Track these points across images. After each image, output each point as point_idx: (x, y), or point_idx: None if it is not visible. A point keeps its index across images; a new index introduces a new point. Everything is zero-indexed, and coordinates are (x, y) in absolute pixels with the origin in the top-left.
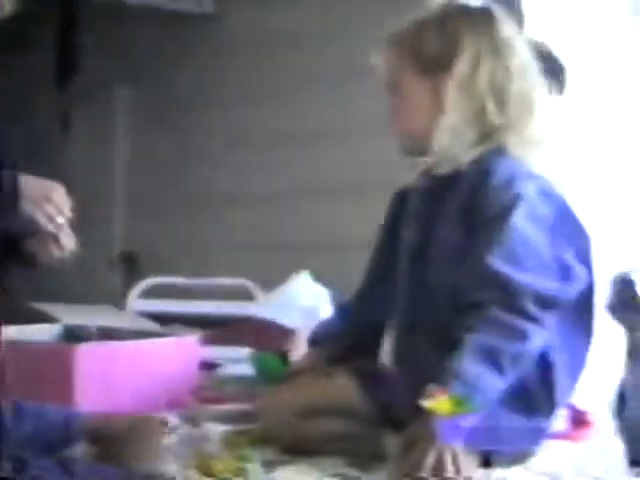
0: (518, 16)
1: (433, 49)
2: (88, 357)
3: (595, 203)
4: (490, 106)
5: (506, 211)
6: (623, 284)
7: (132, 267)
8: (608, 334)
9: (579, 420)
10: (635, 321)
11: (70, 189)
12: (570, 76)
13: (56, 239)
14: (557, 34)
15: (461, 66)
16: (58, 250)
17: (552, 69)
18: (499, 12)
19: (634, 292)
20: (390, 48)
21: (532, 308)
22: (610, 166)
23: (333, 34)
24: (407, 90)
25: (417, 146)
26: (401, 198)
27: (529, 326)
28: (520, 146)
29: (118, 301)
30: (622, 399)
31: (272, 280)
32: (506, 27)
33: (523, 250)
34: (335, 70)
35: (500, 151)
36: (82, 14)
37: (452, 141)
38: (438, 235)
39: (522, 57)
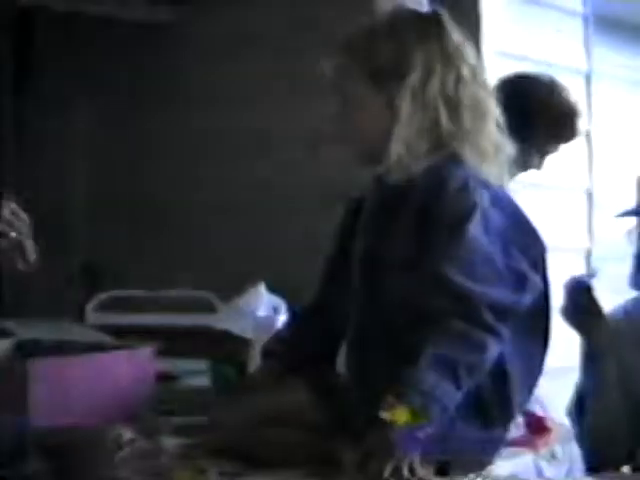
0: (475, 17)
1: (385, 59)
2: (41, 371)
3: (547, 208)
4: (443, 115)
5: (460, 220)
6: (578, 289)
7: (92, 280)
8: (563, 339)
9: (537, 426)
10: (591, 326)
11: (27, 199)
12: None
13: (16, 252)
14: (514, 36)
15: (413, 76)
16: (20, 263)
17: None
18: (448, 18)
19: (590, 297)
20: (340, 57)
21: (488, 318)
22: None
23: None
24: (359, 101)
25: (370, 155)
26: (354, 206)
27: (485, 336)
28: (474, 154)
29: (77, 314)
30: (580, 405)
31: (234, 291)
32: (455, 34)
33: (478, 260)
34: (298, 76)
35: (454, 160)
36: (38, 22)
37: (406, 151)
38: (390, 244)
39: (472, 64)
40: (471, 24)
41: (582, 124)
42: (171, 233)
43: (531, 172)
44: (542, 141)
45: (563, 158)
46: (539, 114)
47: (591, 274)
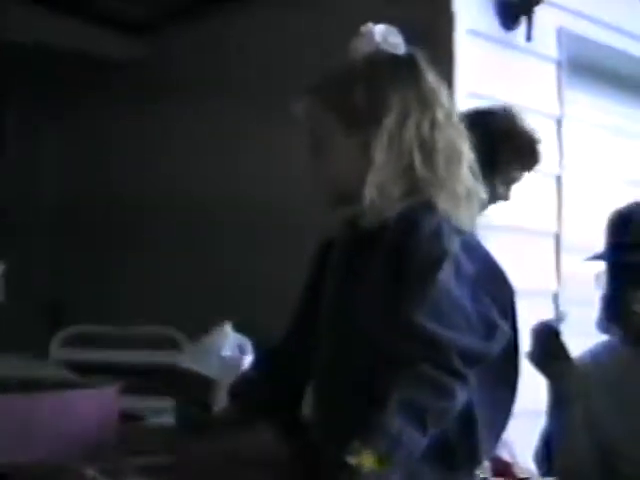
0: (448, 58)
1: (360, 103)
2: (5, 408)
3: (516, 251)
4: (418, 159)
5: (431, 267)
6: (546, 334)
7: (56, 315)
8: (531, 384)
9: (504, 472)
10: (559, 370)
11: None
12: None
13: None
14: (487, 78)
15: (389, 120)
16: None
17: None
18: (423, 60)
19: (558, 342)
20: (313, 101)
21: (457, 365)
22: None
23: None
24: (333, 144)
25: (342, 198)
26: (326, 249)
27: (454, 383)
28: (447, 200)
29: (41, 350)
30: (547, 449)
31: (201, 328)
32: (431, 76)
33: (448, 307)
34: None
35: (427, 205)
36: (12, 57)
37: (380, 195)
38: (360, 288)
39: (446, 107)
40: (444, 64)
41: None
42: (137, 269)
43: (500, 204)
44: (506, 171)
45: (532, 201)
46: (502, 144)
47: (559, 318)
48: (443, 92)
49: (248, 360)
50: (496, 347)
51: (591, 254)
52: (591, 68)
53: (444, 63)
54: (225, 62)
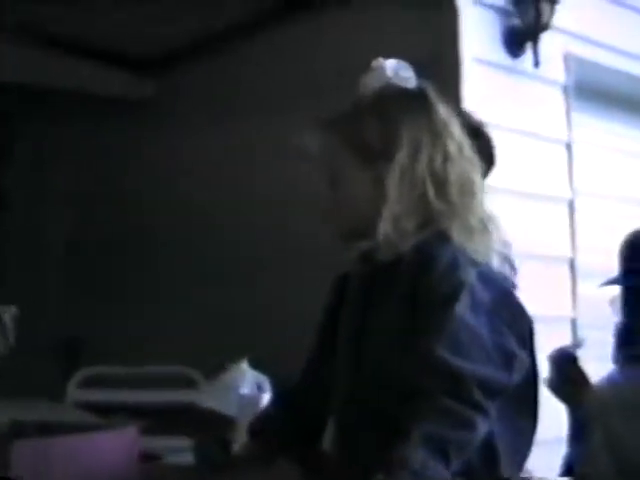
0: (455, 87)
1: (372, 138)
2: (25, 454)
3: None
4: (431, 192)
5: (448, 299)
6: (564, 360)
7: (72, 356)
8: (550, 411)
9: None
10: (578, 397)
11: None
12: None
13: None
14: (495, 105)
15: (402, 154)
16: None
17: (481, 145)
18: (434, 93)
19: (577, 368)
20: (326, 136)
21: (477, 396)
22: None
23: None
24: (346, 180)
25: (356, 233)
26: (342, 283)
27: (475, 415)
28: (462, 231)
29: (57, 392)
30: (569, 475)
31: (218, 366)
32: (442, 109)
33: (466, 338)
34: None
35: (441, 237)
36: (19, 102)
37: (394, 229)
38: (378, 322)
39: (458, 139)
40: (451, 94)
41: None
42: (153, 307)
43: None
44: None
45: (545, 227)
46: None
47: (576, 344)
48: (454, 124)
49: (266, 397)
50: (515, 377)
51: (606, 279)
52: (599, 91)
53: (451, 92)
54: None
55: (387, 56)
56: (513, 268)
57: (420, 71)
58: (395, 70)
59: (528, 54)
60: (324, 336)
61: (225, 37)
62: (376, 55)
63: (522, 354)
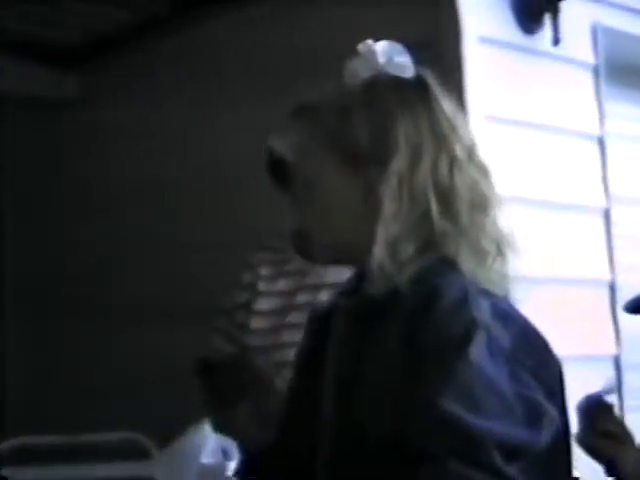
0: (458, 74)
1: (362, 139)
2: None
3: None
4: (434, 208)
5: (459, 342)
6: (596, 410)
7: None
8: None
9: None
10: (614, 452)
11: None
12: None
13: None
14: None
15: (398, 159)
16: None
17: None
18: (435, 83)
19: (611, 418)
20: (302, 133)
21: (495, 460)
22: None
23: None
24: (328, 189)
25: (340, 256)
26: (318, 324)
27: None
28: (472, 256)
29: None
30: None
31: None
32: (446, 103)
33: (480, 389)
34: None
35: (447, 264)
36: None
37: (391, 256)
38: (371, 371)
39: (467, 142)
40: (452, 81)
41: None
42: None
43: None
44: None
45: (578, 244)
46: None
47: (607, 390)
48: (462, 122)
49: (233, 466)
50: (543, 435)
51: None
52: (637, 71)
53: (452, 79)
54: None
55: (376, 37)
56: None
57: (416, 55)
58: (388, 55)
59: (546, 29)
60: (300, 387)
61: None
62: (361, 36)
63: (550, 407)
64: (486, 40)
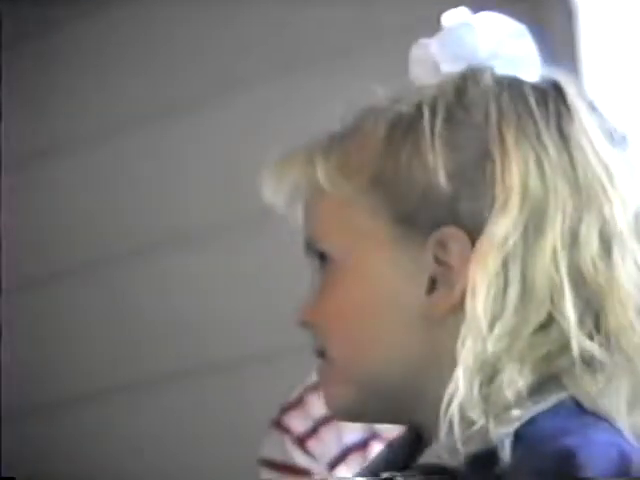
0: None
1: (434, 183)
2: None
3: None
4: (571, 315)
5: None
6: None
7: None
8: None
9: None
10: None
11: None
12: None
13: None
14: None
15: (504, 225)
16: None
17: None
18: (578, 91)
19: None
20: (326, 170)
21: None
22: None
23: None
24: (367, 272)
25: (386, 404)
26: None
27: None
28: (632, 397)
29: None
30: None
31: None
32: (597, 134)
33: None
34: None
35: (583, 410)
36: None
37: (482, 396)
38: None
39: (630, 197)
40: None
41: None
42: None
43: None
44: None
45: None
46: None
47: None
48: (621, 162)
49: None
50: None
51: None
52: None
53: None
54: None
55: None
56: None
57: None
58: (496, 39)
59: None
60: None
61: None
62: None
63: None
64: None
